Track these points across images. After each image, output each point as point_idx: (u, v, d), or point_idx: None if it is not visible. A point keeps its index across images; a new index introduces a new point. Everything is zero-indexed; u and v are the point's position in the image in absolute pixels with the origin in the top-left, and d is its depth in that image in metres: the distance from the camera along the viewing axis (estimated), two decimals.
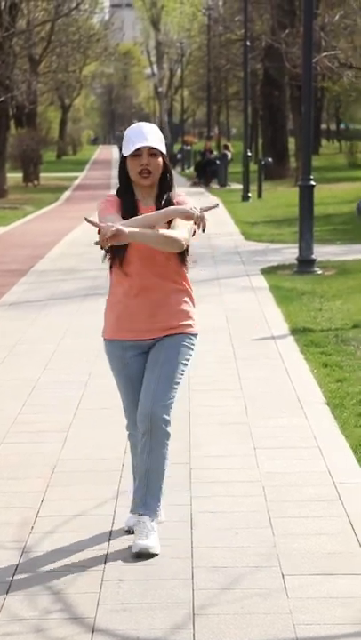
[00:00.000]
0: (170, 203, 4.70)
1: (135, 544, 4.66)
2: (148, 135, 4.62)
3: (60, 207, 30.17)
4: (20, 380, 8.18)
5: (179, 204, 4.68)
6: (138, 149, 4.61)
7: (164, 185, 4.73)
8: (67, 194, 35.88)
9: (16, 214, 27.00)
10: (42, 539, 4.92)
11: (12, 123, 42.12)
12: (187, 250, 4.76)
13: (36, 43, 37.62)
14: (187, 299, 4.81)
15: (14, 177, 39.56)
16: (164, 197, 4.71)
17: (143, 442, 4.68)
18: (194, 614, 4.11)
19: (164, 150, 4.67)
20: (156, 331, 4.75)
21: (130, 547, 4.74)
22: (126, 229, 4.43)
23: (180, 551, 4.72)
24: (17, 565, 4.62)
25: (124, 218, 4.62)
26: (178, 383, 4.72)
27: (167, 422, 4.67)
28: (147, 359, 4.80)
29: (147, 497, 4.72)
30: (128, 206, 4.68)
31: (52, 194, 35.22)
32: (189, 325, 4.80)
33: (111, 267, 4.79)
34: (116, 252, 4.70)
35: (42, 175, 41.90)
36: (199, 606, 4.17)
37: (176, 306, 4.76)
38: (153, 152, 4.63)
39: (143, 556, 4.62)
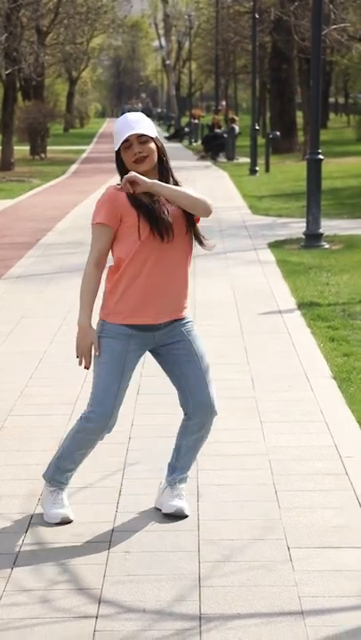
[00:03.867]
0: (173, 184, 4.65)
1: (170, 505, 4.77)
2: (133, 124, 4.57)
3: (67, 180, 30.11)
4: (26, 353, 8.19)
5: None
6: (126, 140, 4.56)
7: (163, 168, 4.65)
8: (74, 167, 35.80)
9: (23, 187, 26.95)
10: None
11: (19, 95, 42.02)
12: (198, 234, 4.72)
13: (44, 14, 37.38)
14: (188, 282, 4.78)
15: (21, 150, 39.46)
16: (166, 181, 4.63)
17: (195, 430, 4.78)
18: (200, 586, 4.13)
19: (154, 135, 4.61)
20: (165, 315, 4.69)
21: (139, 517, 4.77)
22: (149, 181, 4.44)
23: (186, 523, 4.74)
24: (23, 537, 4.65)
25: (140, 196, 4.56)
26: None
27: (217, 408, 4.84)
28: (141, 357, 4.73)
29: (185, 473, 4.90)
30: (132, 197, 4.59)
31: (60, 167, 35.14)
32: (186, 308, 4.80)
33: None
34: (156, 223, 4.57)
35: (49, 148, 41.77)
36: (205, 578, 4.19)
37: (184, 290, 4.74)
38: (143, 139, 4.57)
39: (177, 516, 4.77)
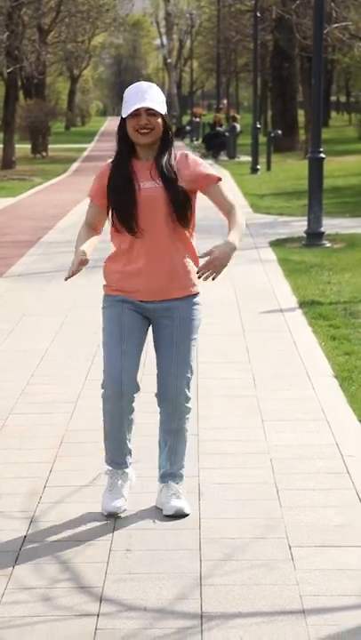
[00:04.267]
0: (168, 161, 4.65)
1: (170, 506, 4.76)
2: (145, 95, 4.56)
3: (68, 178, 30.10)
4: (28, 352, 8.19)
5: (185, 161, 4.68)
6: (136, 110, 4.56)
7: (166, 142, 4.69)
8: (75, 165, 35.80)
9: (24, 185, 26.95)
10: (50, 509, 4.94)
11: (20, 93, 42.00)
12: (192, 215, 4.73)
13: (45, 13, 37.38)
14: (189, 261, 4.77)
15: (23, 148, 39.46)
16: (165, 154, 4.67)
17: (164, 420, 4.82)
18: (201, 584, 4.13)
19: (163, 110, 4.62)
20: (151, 294, 4.71)
21: (142, 515, 4.77)
22: (229, 251, 4.64)
23: (187, 522, 4.74)
24: (25, 535, 4.65)
25: (117, 183, 4.62)
26: (192, 357, 4.79)
27: (188, 399, 4.82)
28: (144, 321, 4.76)
29: (174, 469, 4.88)
30: (122, 170, 4.65)
31: (61, 165, 35.13)
32: (191, 287, 4.77)
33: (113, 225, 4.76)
34: (123, 218, 4.66)
35: (50, 146, 41.78)
36: (206, 576, 4.19)
37: (179, 269, 4.73)
38: (152, 112, 4.58)
39: (177, 516, 4.75)
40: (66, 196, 23.47)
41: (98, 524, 4.75)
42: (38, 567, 4.32)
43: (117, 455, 4.86)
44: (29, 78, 40.37)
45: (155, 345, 4.84)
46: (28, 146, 40.68)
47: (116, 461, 4.88)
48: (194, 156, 4.79)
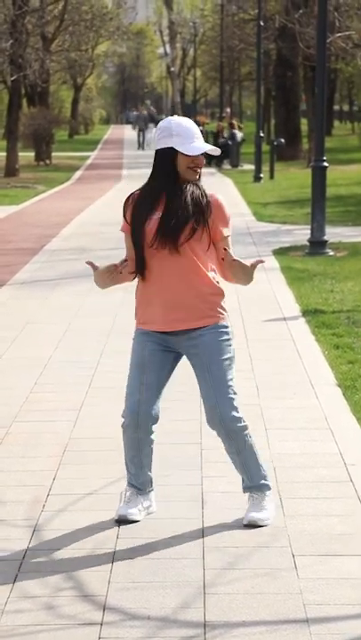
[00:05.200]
0: (199, 191, 4.72)
1: (246, 516, 4.79)
2: (201, 136, 4.73)
3: (71, 186, 30.14)
4: (31, 359, 8.19)
5: (211, 198, 4.74)
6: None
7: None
8: (78, 173, 35.84)
9: (28, 193, 26.98)
10: (53, 517, 4.94)
11: (24, 101, 42.08)
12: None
13: (49, 21, 37.45)
14: (205, 290, 4.79)
15: (26, 156, 39.51)
16: (195, 187, 4.73)
17: (226, 444, 4.84)
18: (204, 593, 4.12)
19: None
20: (176, 324, 4.75)
21: (141, 524, 4.77)
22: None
23: (190, 530, 4.74)
24: (28, 543, 4.65)
25: (146, 206, 4.67)
26: (231, 378, 4.78)
27: (238, 419, 4.77)
28: (166, 354, 4.80)
29: (252, 481, 4.88)
30: (152, 195, 4.71)
31: (64, 173, 35.17)
32: (211, 317, 4.79)
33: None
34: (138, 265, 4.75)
35: (54, 154, 41.81)
36: (209, 585, 4.19)
37: (194, 299, 4.76)
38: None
39: (253, 526, 4.75)
40: (69, 204, 23.50)
41: (101, 532, 4.75)
42: (42, 576, 4.32)
43: (136, 480, 4.92)
44: (33, 86, 40.44)
45: (196, 375, 4.85)
46: (32, 154, 40.73)
47: (137, 486, 4.93)
48: (224, 204, 4.79)
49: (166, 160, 4.71)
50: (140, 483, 4.92)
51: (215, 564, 4.38)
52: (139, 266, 4.74)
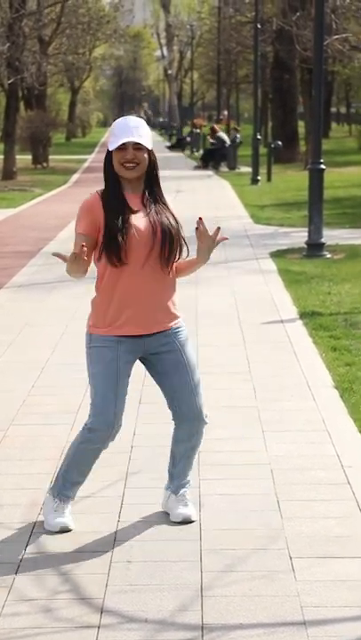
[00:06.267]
0: (156, 199, 4.69)
1: (177, 514, 4.85)
2: (133, 130, 4.60)
3: (69, 189, 30.14)
4: (29, 362, 8.19)
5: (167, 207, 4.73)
6: (123, 144, 4.59)
7: (151, 180, 4.71)
8: (76, 176, 35.83)
9: (25, 196, 26.98)
10: None
11: (21, 104, 42.05)
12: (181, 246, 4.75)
13: (46, 24, 37.45)
14: (173, 291, 4.81)
15: (23, 159, 39.52)
16: (155, 187, 4.69)
17: (185, 438, 4.86)
18: (202, 596, 4.12)
19: (150, 146, 4.65)
20: (148, 327, 4.72)
21: (143, 526, 4.77)
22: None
23: (188, 533, 4.73)
24: (25, 546, 4.64)
25: (112, 212, 4.61)
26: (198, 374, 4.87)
27: (206, 415, 4.88)
28: (134, 360, 4.75)
29: (186, 480, 4.98)
30: (114, 201, 4.65)
31: (61, 176, 35.18)
32: (178, 316, 4.82)
33: (99, 259, 4.69)
34: (111, 249, 4.63)
35: (51, 157, 41.82)
36: (207, 588, 4.19)
37: (167, 300, 4.76)
38: (138, 147, 4.61)
39: (186, 522, 4.83)
40: (67, 207, 23.49)
41: (98, 535, 4.75)
42: (39, 578, 4.32)
43: (72, 491, 4.88)
44: (30, 89, 40.41)
45: (159, 377, 4.80)
46: (29, 157, 40.73)
47: (68, 496, 4.88)
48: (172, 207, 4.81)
49: (107, 162, 4.69)
50: (71, 495, 4.87)
51: (213, 567, 4.38)
52: (119, 263, 4.61)
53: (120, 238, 4.60)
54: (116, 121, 4.70)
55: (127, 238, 4.61)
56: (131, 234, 4.61)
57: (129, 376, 4.76)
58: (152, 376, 4.86)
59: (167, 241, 4.67)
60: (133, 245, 4.63)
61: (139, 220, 4.66)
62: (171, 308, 4.78)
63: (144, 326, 4.71)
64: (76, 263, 4.52)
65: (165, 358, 4.76)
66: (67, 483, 4.85)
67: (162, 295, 4.73)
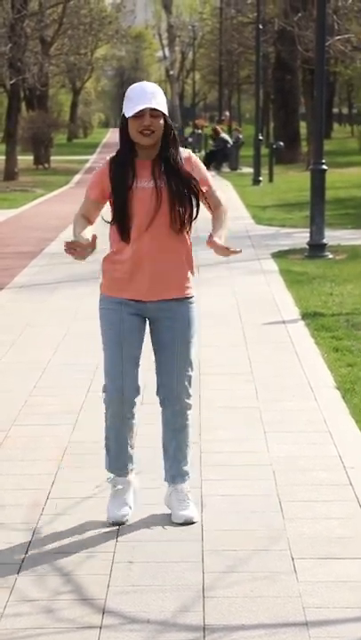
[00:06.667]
0: (170, 162, 4.67)
1: (179, 515, 4.82)
2: (150, 96, 4.58)
3: (70, 190, 30.14)
4: (30, 362, 8.19)
5: (189, 162, 4.70)
6: (140, 111, 4.57)
7: (167, 142, 4.69)
8: (77, 177, 35.83)
9: (27, 197, 26.98)
10: (52, 520, 4.93)
11: (23, 105, 42.08)
12: (194, 217, 4.74)
13: (48, 25, 37.45)
14: (184, 262, 4.80)
15: (25, 159, 39.51)
16: (171, 151, 4.67)
17: (172, 420, 4.86)
18: (204, 597, 4.12)
19: (166, 111, 4.64)
20: (157, 293, 4.74)
21: (145, 526, 4.77)
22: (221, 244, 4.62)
23: (189, 534, 4.73)
24: (27, 547, 4.64)
25: (117, 182, 4.63)
26: (192, 354, 4.85)
27: (190, 396, 4.87)
28: (144, 324, 4.79)
29: (181, 467, 4.94)
30: (120, 170, 4.66)
31: (63, 177, 35.18)
32: (188, 288, 4.81)
33: (111, 223, 4.76)
34: (117, 221, 4.69)
35: (52, 158, 41.82)
36: (209, 589, 4.18)
37: (175, 270, 4.75)
38: (155, 113, 4.60)
39: (187, 524, 4.80)
40: (68, 208, 23.46)
41: (100, 535, 4.74)
42: (41, 579, 4.32)
43: (119, 461, 4.90)
44: (32, 90, 40.44)
45: (154, 346, 4.87)
46: (31, 157, 40.73)
47: (118, 467, 4.91)
48: (197, 158, 4.81)
49: (122, 128, 4.67)
50: (120, 465, 4.89)
51: (214, 568, 4.37)
52: (124, 233, 4.67)
53: (124, 211, 4.64)
54: (132, 86, 4.68)
55: (130, 208, 4.64)
56: (134, 202, 4.64)
57: (141, 340, 4.78)
58: (152, 344, 4.89)
59: (176, 206, 4.65)
60: (136, 213, 4.65)
61: (143, 190, 4.65)
62: (179, 278, 4.75)
63: (145, 293, 4.73)
64: (84, 252, 4.62)
65: (161, 330, 4.79)
66: (107, 456, 4.90)
67: (167, 264, 4.72)
